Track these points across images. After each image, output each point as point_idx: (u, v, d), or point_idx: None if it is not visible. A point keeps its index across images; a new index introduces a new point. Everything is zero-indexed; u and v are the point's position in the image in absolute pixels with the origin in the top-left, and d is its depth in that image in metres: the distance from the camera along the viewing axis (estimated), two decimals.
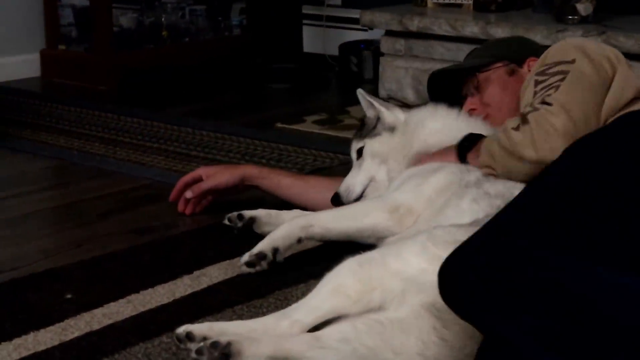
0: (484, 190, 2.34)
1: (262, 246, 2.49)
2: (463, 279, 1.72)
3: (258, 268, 2.48)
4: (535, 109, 2.31)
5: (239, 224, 2.74)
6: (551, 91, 2.35)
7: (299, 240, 2.51)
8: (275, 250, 2.48)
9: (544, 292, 1.63)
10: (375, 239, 2.46)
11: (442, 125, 2.66)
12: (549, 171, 2.14)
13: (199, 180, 2.97)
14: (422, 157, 2.61)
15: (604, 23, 4.08)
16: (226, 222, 2.77)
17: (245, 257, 2.49)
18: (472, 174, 2.43)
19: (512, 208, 1.93)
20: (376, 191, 2.70)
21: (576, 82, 2.35)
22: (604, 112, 2.34)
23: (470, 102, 2.73)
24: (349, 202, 2.70)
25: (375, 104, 2.77)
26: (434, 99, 2.82)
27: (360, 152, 2.75)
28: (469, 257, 1.76)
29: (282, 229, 2.52)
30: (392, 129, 2.71)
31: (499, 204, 2.27)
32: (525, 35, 4.07)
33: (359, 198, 2.72)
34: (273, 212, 2.78)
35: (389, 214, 2.45)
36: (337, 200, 2.73)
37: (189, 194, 2.98)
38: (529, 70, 2.62)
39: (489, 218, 2.18)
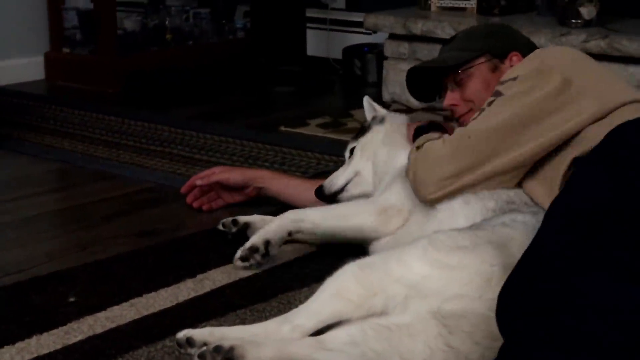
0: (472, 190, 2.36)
1: (254, 240, 2.57)
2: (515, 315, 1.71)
3: (252, 261, 2.55)
4: (438, 138, 2.40)
5: (233, 229, 2.77)
6: (475, 115, 2.41)
7: (290, 234, 2.57)
8: (267, 243, 2.55)
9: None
10: (362, 240, 2.51)
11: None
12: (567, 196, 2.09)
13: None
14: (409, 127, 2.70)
15: (607, 26, 4.08)
16: (220, 227, 2.80)
17: (239, 252, 2.56)
18: None
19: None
20: (359, 186, 2.78)
21: (494, 111, 2.37)
22: (561, 132, 2.31)
23: (450, 97, 2.69)
24: (329, 194, 2.79)
25: (377, 107, 2.86)
26: (413, 92, 2.84)
27: (352, 152, 2.82)
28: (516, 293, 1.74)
29: (273, 223, 2.60)
30: (382, 120, 2.78)
31: (492, 206, 2.28)
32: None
33: (340, 191, 2.78)
34: (267, 217, 2.81)
35: (377, 215, 2.51)
36: (321, 192, 2.81)
37: (198, 181, 3.05)
38: (511, 66, 2.59)
39: (488, 221, 2.19)
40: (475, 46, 2.69)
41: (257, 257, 2.55)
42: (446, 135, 2.40)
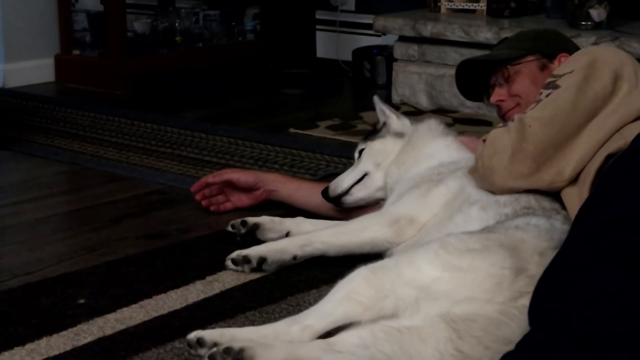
0: (494, 198, 2.34)
1: (252, 251, 2.55)
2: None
3: (240, 269, 2.55)
4: (502, 126, 2.37)
5: (242, 230, 2.76)
6: (533, 105, 2.38)
7: (295, 258, 2.54)
8: (262, 260, 2.53)
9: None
10: (377, 251, 2.49)
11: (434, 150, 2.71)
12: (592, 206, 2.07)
13: None
14: (467, 141, 2.68)
15: (617, 29, 4.07)
16: (229, 228, 2.79)
17: (234, 254, 2.56)
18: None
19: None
20: (364, 190, 2.77)
21: (555, 99, 2.35)
22: (609, 127, 2.30)
23: (498, 93, 2.71)
24: (335, 195, 2.79)
25: (386, 110, 2.82)
26: (461, 87, 2.86)
27: (361, 153, 2.81)
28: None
29: (281, 242, 2.58)
30: (399, 135, 2.76)
31: (507, 212, 2.27)
32: None
33: (345, 193, 2.77)
34: (277, 219, 2.80)
35: (388, 227, 2.49)
36: (326, 194, 2.80)
37: (210, 178, 3.05)
38: (559, 66, 2.60)
39: (501, 224, 2.19)
40: (525, 45, 2.74)
41: (246, 268, 2.54)
42: (510, 123, 2.37)
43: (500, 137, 2.33)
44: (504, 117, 2.70)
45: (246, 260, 2.54)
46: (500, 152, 2.32)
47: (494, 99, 2.73)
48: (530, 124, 2.31)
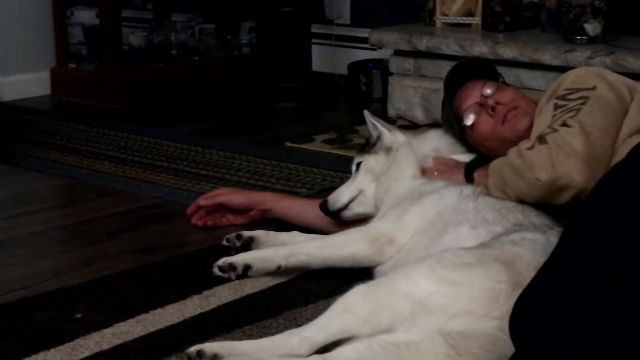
0: (482, 216, 2.34)
1: (237, 259, 2.60)
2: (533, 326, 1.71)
3: (226, 276, 2.59)
4: (555, 131, 2.31)
5: (238, 244, 2.78)
6: (572, 113, 2.35)
7: (279, 267, 2.58)
8: (247, 267, 2.58)
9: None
10: (358, 267, 2.51)
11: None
12: (587, 209, 2.07)
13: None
14: (429, 174, 2.64)
15: (612, 43, 4.08)
16: (224, 242, 2.81)
17: (220, 261, 2.60)
18: (467, 200, 2.43)
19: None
20: (362, 205, 2.78)
21: (597, 107, 2.36)
22: (619, 137, 2.35)
23: (496, 97, 2.66)
24: (333, 210, 2.80)
25: (378, 125, 2.82)
26: (449, 91, 2.80)
27: (359, 166, 2.81)
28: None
29: (266, 251, 2.63)
30: (388, 150, 2.76)
31: (498, 230, 2.27)
32: (534, 55, 4.09)
33: (344, 208, 2.78)
34: (272, 232, 2.83)
35: (369, 244, 2.51)
36: (325, 207, 2.82)
37: (202, 201, 3.06)
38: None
39: (497, 239, 2.19)
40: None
41: (233, 275, 2.59)
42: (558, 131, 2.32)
43: (567, 140, 2.28)
44: (504, 121, 2.63)
45: (232, 267, 2.58)
46: (571, 155, 2.27)
47: (491, 101, 2.65)
48: (590, 131, 2.30)
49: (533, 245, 2.11)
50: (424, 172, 2.69)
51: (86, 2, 5.78)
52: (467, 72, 2.77)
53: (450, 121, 2.76)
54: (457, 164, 2.66)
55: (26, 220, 3.18)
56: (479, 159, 2.62)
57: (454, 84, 2.77)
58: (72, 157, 3.95)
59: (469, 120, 2.67)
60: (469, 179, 2.56)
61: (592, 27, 4.12)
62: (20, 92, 5.10)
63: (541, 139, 2.31)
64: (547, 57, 4.06)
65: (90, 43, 5.28)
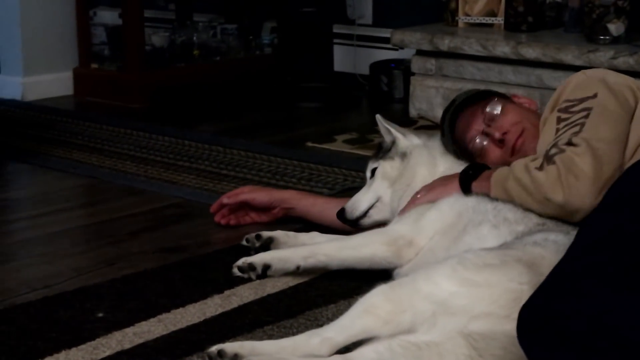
0: (502, 216, 2.32)
1: (257, 259, 2.60)
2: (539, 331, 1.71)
3: (246, 276, 2.60)
4: (562, 151, 2.27)
5: (257, 244, 2.78)
6: (576, 129, 2.31)
7: (298, 268, 2.58)
8: (267, 267, 2.59)
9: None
10: (377, 268, 2.50)
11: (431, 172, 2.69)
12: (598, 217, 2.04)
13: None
14: (422, 187, 2.61)
15: (635, 43, 4.06)
16: (244, 242, 2.81)
17: (240, 261, 2.61)
18: (485, 201, 2.40)
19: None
20: (380, 212, 2.77)
21: (601, 118, 2.32)
22: (630, 143, 2.32)
23: (498, 127, 2.60)
24: (352, 218, 2.79)
25: (392, 130, 2.80)
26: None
27: (374, 172, 2.80)
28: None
29: (285, 251, 2.64)
30: (404, 156, 2.75)
31: (521, 229, 2.25)
32: (556, 55, 4.08)
33: (363, 216, 2.78)
34: (291, 233, 2.83)
35: (387, 246, 2.50)
36: (342, 215, 2.81)
37: (225, 199, 3.07)
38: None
39: (519, 240, 2.18)
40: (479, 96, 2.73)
41: (253, 275, 2.59)
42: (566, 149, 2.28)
43: (575, 163, 2.24)
44: (513, 150, 2.59)
45: (251, 267, 2.59)
46: (582, 178, 2.23)
47: (498, 133, 2.59)
48: (597, 146, 2.26)
49: (555, 246, 2.10)
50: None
51: (109, 3, 5.81)
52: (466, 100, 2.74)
53: (448, 148, 2.72)
54: (446, 177, 2.59)
55: (48, 220, 3.20)
56: (473, 168, 2.55)
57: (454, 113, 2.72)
58: (94, 157, 3.96)
59: (476, 150, 2.63)
60: (466, 190, 2.49)
61: (615, 27, 4.10)
62: (43, 92, 5.13)
63: (549, 159, 2.27)
64: (569, 57, 4.04)
65: (113, 43, 5.30)
